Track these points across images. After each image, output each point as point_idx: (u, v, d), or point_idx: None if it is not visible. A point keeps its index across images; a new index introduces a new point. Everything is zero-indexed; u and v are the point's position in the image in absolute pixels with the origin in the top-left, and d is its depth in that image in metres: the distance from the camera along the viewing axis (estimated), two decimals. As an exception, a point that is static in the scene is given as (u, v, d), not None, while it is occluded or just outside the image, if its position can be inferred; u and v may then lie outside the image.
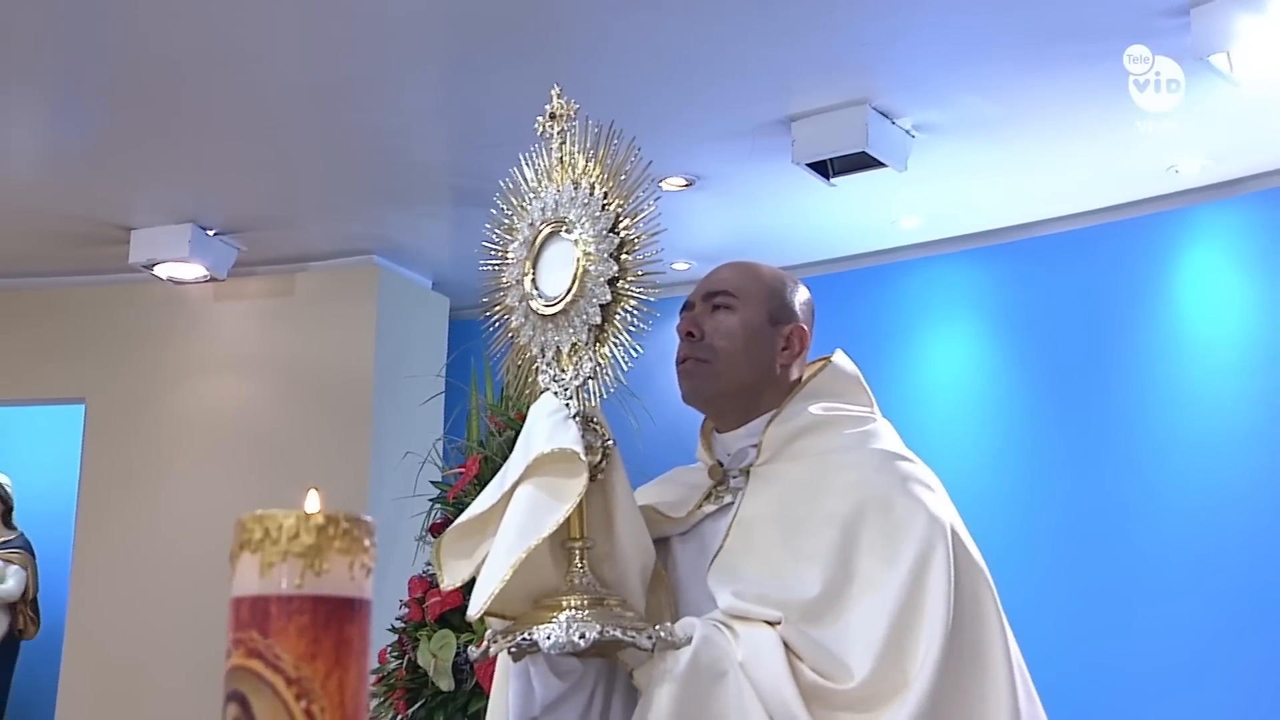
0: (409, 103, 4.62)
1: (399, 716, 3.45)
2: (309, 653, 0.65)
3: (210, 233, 5.73)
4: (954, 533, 1.64)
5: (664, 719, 1.53)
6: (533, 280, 1.68)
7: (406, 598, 3.54)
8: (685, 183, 5.17)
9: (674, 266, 5.96)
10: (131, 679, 5.84)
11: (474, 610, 1.57)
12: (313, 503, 0.69)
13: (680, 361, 1.79)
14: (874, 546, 1.61)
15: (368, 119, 4.70)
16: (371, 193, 5.44)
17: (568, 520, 1.57)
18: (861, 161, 4.62)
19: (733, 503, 1.75)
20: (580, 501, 1.57)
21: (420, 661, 3.37)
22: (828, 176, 4.75)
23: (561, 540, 1.60)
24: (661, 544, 1.78)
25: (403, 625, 3.51)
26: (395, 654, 3.54)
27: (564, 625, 1.50)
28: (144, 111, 4.62)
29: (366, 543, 0.68)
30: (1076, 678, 4.94)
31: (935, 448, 5.49)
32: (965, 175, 5.10)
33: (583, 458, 1.56)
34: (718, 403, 1.82)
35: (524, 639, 1.53)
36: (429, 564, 3.28)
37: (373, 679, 3.56)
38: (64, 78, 4.43)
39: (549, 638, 1.50)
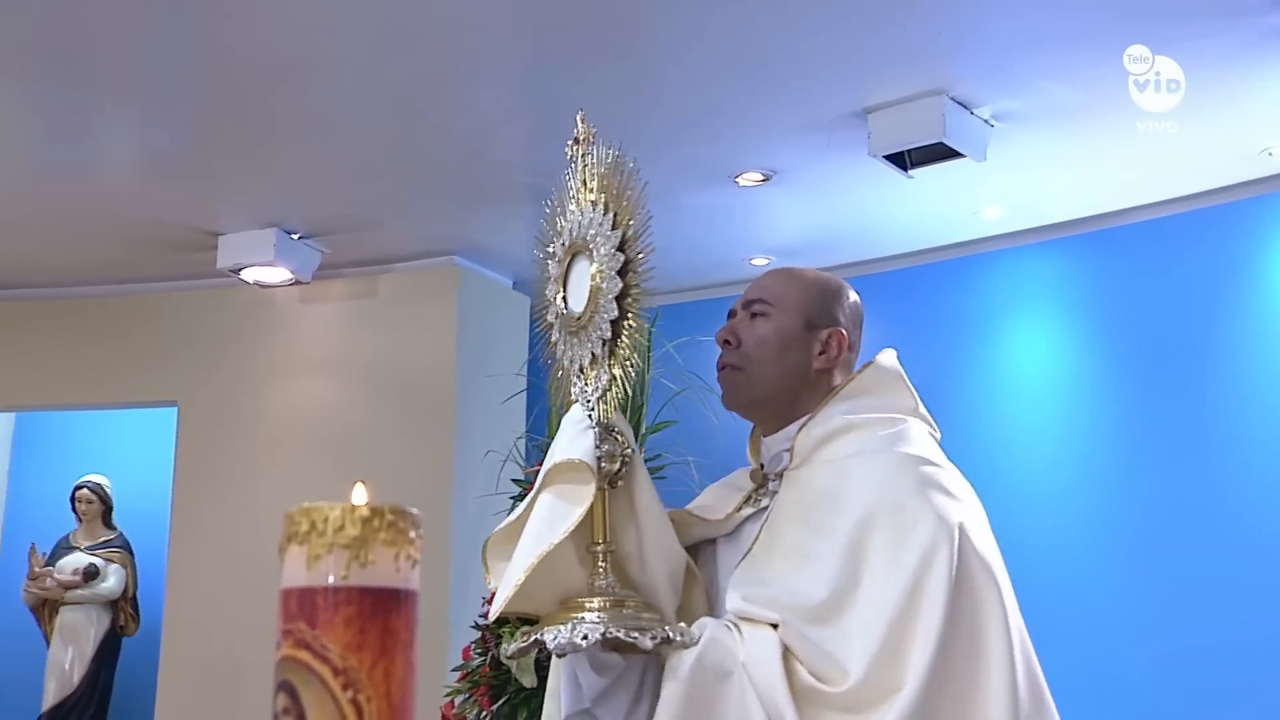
0: (488, 102, 4.64)
1: (483, 713, 3.48)
2: (355, 643, 0.66)
3: (294, 236, 5.83)
4: (963, 534, 1.64)
5: (669, 718, 1.58)
6: (563, 297, 1.76)
7: (489, 594, 3.57)
8: (762, 178, 5.14)
9: (752, 262, 5.93)
10: (227, 673, 5.97)
11: (493, 612, 1.67)
12: (359, 495, 0.70)
13: (719, 369, 1.86)
14: (881, 550, 1.63)
15: (447, 120, 4.75)
16: (452, 193, 5.48)
17: (591, 525, 1.66)
18: (940, 152, 4.56)
19: (768, 506, 1.80)
20: (601, 507, 1.66)
21: (503, 658, 3.40)
22: (905, 168, 4.69)
23: (587, 544, 1.68)
24: (708, 545, 1.86)
25: (486, 622, 3.54)
26: (479, 651, 3.57)
27: (570, 627, 1.57)
28: (228, 118, 4.72)
29: (412, 534, 0.69)
30: (1167, 670, 4.83)
31: (1020, 441, 5.44)
32: (1047, 164, 5.01)
33: (591, 467, 1.64)
34: (753, 409, 1.87)
35: (536, 639, 1.60)
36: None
37: (457, 675, 3.60)
38: (151, 88, 4.54)
39: (554, 639, 1.57)
